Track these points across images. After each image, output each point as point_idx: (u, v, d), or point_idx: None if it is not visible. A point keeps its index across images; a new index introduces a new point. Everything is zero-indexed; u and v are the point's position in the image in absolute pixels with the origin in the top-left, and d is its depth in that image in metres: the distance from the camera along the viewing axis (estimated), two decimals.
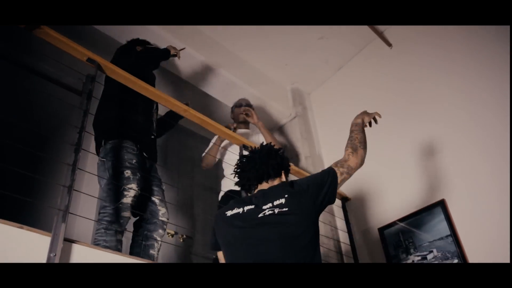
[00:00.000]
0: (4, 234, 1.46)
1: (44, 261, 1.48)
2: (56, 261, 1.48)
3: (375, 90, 3.74)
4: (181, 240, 3.39)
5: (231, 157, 2.97)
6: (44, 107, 2.78)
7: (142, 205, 2.44)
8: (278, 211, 1.59)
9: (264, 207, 1.63)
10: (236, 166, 1.90)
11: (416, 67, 3.46)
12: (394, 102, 3.48)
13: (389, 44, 3.75)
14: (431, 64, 3.34)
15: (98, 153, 2.43)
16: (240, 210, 1.68)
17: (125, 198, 2.20)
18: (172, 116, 2.90)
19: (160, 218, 2.43)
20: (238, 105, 3.53)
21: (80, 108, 1.90)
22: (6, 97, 2.70)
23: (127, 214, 2.21)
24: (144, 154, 2.49)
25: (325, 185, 1.72)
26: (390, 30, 3.79)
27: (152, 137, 2.63)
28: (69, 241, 1.60)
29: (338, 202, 3.44)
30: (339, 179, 1.80)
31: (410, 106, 3.34)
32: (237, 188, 2.76)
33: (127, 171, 2.27)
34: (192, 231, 3.62)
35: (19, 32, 3.03)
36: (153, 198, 2.47)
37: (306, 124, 4.04)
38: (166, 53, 2.90)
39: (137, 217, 2.49)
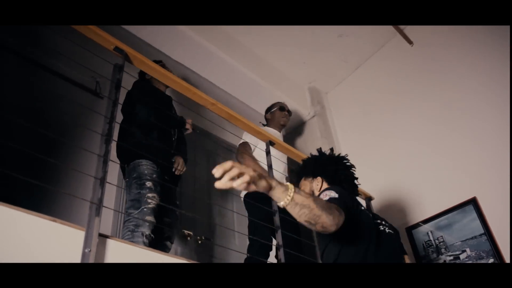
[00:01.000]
0: (37, 228, 1.36)
1: (79, 256, 1.38)
2: (92, 257, 1.38)
3: (394, 88, 3.66)
4: (199, 242, 3.29)
5: (258, 153, 2.95)
6: (69, 101, 2.71)
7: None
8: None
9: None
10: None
11: (439, 65, 3.39)
12: (417, 101, 3.40)
13: (410, 42, 3.68)
14: (455, 61, 3.27)
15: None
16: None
17: (149, 204, 2.27)
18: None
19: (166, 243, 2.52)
20: (282, 108, 3.43)
21: (109, 98, 1.81)
22: (30, 92, 2.64)
23: (150, 218, 2.24)
24: (166, 177, 2.56)
25: None
26: (411, 27, 3.72)
27: (173, 160, 2.64)
28: (103, 236, 1.50)
29: (362, 201, 3.34)
30: None
31: (434, 104, 3.26)
32: None
33: (148, 182, 2.35)
34: (211, 234, 3.53)
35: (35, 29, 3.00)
36: (165, 219, 2.54)
37: (325, 123, 3.97)
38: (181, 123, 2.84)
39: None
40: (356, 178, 2.00)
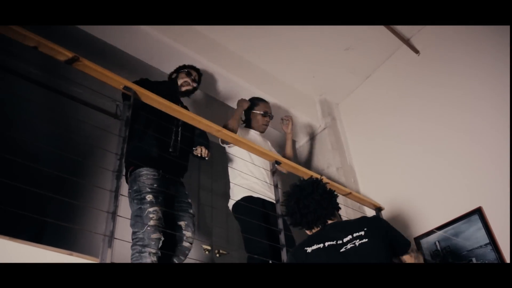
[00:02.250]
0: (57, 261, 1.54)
1: None
2: None
3: (404, 98, 3.72)
4: (217, 255, 3.41)
5: (240, 163, 2.94)
6: (80, 133, 2.88)
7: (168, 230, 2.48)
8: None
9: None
10: (289, 202, 2.04)
11: (445, 73, 3.43)
12: (425, 110, 3.46)
13: (417, 51, 3.74)
14: (461, 69, 3.31)
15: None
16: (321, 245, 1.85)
17: (151, 221, 2.24)
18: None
19: (184, 244, 2.48)
20: (265, 114, 3.39)
21: (119, 135, 1.98)
22: (43, 123, 2.81)
23: (155, 235, 2.23)
24: (167, 176, 2.52)
25: None
26: (417, 37, 3.78)
27: (174, 153, 2.62)
28: None
29: (371, 212, 3.43)
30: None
31: (441, 113, 3.31)
32: (250, 194, 2.80)
33: (148, 195, 2.33)
34: (228, 247, 3.64)
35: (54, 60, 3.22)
36: (179, 223, 2.52)
37: (336, 135, 4.06)
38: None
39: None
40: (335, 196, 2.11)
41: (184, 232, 2.50)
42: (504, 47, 3.05)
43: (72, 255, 1.58)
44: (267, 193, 2.92)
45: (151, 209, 2.27)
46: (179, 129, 2.73)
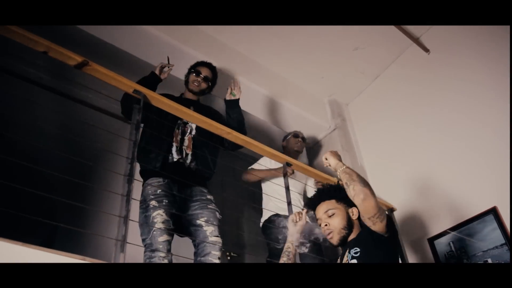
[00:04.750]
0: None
1: None
2: None
3: (414, 97, 3.69)
4: (228, 258, 3.40)
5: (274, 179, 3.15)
6: (90, 137, 2.89)
7: (186, 230, 2.48)
8: None
9: None
10: None
11: (456, 71, 3.39)
12: (436, 108, 3.42)
13: (427, 50, 3.70)
14: (473, 66, 3.27)
15: None
16: None
17: (156, 224, 2.23)
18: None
19: (210, 239, 2.38)
20: (295, 135, 3.66)
21: (130, 139, 1.97)
22: (52, 128, 2.82)
23: (163, 238, 2.21)
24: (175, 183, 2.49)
25: None
26: (426, 35, 3.74)
27: (185, 165, 2.59)
28: None
29: None
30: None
31: (453, 111, 3.27)
32: (282, 212, 2.85)
33: (151, 202, 2.33)
34: (241, 250, 3.64)
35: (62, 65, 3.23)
36: (198, 222, 2.43)
37: (346, 136, 4.03)
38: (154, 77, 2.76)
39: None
40: None
41: (204, 228, 2.40)
42: None
43: (84, 260, 1.57)
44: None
45: (154, 213, 2.27)
46: (188, 135, 2.67)
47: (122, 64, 2.97)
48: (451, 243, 2.92)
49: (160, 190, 2.38)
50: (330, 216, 1.94)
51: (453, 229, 2.93)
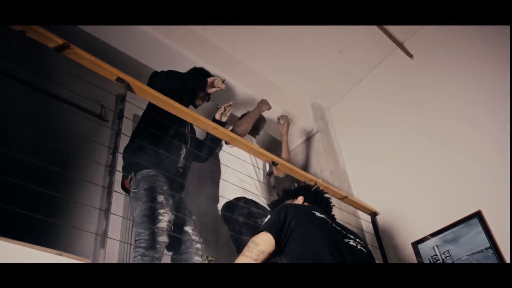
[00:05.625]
0: (43, 262, 1.39)
1: None
2: None
3: (396, 102, 3.68)
4: (207, 262, 3.31)
5: (235, 162, 2.88)
6: (70, 129, 2.74)
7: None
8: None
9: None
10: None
11: (440, 77, 3.40)
12: (419, 114, 3.41)
13: (410, 55, 3.70)
14: (456, 73, 3.28)
15: (123, 186, 2.46)
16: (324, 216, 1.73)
17: (160, 223, 2.12)
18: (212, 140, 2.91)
19: (196, 245, 2.42)
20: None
21: (112, 128, 1.85)
22: (33, 122, 2.67)
23: (163, 238, 2.12)
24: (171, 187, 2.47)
25: None
26: (411, 41, 3.74)
27: (181, 170, 2.60)
28: None
29: (367, 217, 3.35)
30: None
31: (436, 116, 3.27)
32: (243, 195, 2.72)
33: (160, 196, 2.22)
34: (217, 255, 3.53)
35: (37, 56, 3.07)
36: (185, 229, 2.44)
37: (328, 139, 3.98)
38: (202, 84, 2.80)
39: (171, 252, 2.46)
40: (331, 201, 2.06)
41: (192, 237, 2.42)
42: (499, 50, 3.04)
43: (62, 256, 1.43)
44: (259, 195, 2.84)
45: (161, 211, 2.16)
46: (188, 146, 2.69)
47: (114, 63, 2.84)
48: (435, 247, 2.89)
49: (166, 188, 2.32)
50: None
51: (437, 233, 2.90)
